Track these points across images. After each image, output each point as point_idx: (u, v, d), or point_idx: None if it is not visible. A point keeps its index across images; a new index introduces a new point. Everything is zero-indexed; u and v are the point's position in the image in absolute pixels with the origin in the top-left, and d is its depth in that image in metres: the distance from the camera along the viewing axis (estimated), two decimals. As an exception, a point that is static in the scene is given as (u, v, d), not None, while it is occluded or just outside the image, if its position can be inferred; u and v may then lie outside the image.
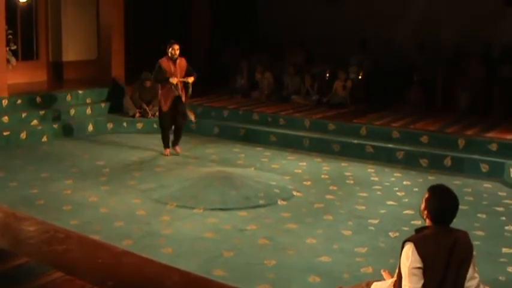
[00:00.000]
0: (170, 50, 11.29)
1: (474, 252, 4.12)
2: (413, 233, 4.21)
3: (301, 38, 17.69)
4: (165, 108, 11.42)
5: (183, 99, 11.37)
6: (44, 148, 11.90)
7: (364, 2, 17.37)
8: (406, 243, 4.07)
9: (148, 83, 14.04)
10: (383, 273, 4.68)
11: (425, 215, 4.15)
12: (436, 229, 4.10)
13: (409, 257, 3.99)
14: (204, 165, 10.62)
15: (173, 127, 11.69)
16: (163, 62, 11.34)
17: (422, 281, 3.95)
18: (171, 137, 11.73)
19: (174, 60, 11.31)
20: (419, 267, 3.95)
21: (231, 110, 14.05)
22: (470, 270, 4.05)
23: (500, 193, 9.59)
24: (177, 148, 11.74)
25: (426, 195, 4.18)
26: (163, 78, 11.26)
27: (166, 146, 11.66)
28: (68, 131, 13.03)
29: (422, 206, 4.18)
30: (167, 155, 11.48)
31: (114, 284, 4.54)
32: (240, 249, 6.91)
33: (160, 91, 11.56)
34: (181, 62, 11.43)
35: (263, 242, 7.14)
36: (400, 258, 4.08)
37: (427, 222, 4.16)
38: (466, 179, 10.28)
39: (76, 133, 13.15)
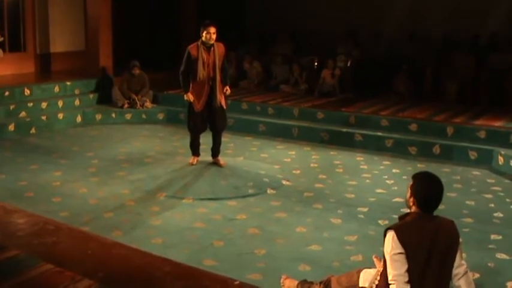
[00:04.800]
0: (204, 33, 8.90)
1: (460, 240, 4.13)
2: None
3: (290, 28, 17.74)
4: (198, 107, 9.21)
5: (222, 102, 9.31)
6: (32, 140, 11.85)
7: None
8: (388, 231, 4.09)
9: (136, 70, 14.02)
10: (374, 259, 4.71)
11: (411, 202, 4.14)
12: (418, 215, 4.11)
13: (390, 245, 4.00)
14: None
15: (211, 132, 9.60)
16: (193, 50, 9.03)
17: (405, 267, 3.97)
18: (201, 145, 9.77)
19: (208, 47, 9.03)
20: (400, 253, 3.97)
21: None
22: (457, 258, 4.07)
23: (488, 180, 9.65)
24: (220, 159, 9.65)
25: (411, 183, 4.19)
26: (191, 70, 9.08)
27: (194, 153, 9.67)
28: (56, 123, 12.98)
29: (408, 194, 4.18)
30: (193, 164, 9.57)
31: (104, 276, 4.53)
32: (230, 239, 6.91)
33: (191, 85, 9.20)
34: (219, 49, 9.11)
35: (253, 231, 7.15)
36: (383, 246, 4.11)
37: (413, 209, 4.17)
38: (455, 167, 10.34)
39: (65, 124, 13.10)
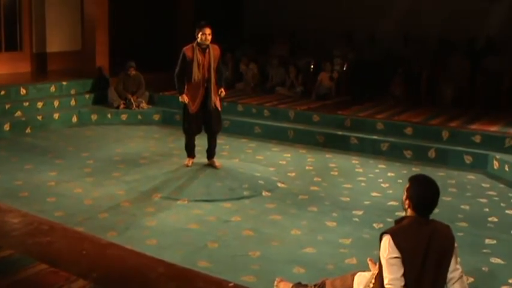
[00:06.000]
0: (200, 34, 8.93)
1: (456, 244, 4.14)
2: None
3: (287, 29, 17.75)
4: (193, 108, 9.25)
5: (217, 103, 9.32)
6: (27, 140, 11.83)
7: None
8: (384, 235, 4.09)
9: (132, 71, 14.03)
10: (369, 262, 4.70)
11: (407, 204, 4.16)
12: (414, 219, 4.12)
13: (386, 249, 4.01)
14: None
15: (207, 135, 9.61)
16: (188, 51, 9.05)
17: (402, 271, 3.98)
18: (196, 147, 9.78)
19: (203, 49, 9.05)
20: (397, 257, 3.98)
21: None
22: (453, 262, 4.07)
23: (483, 184, 9.66)
24: (215, 161, 9.63)
25: (407, 186, 4.20)
26: (186, 72, 9.10)
27: (190, 154, 9.67)
28: (52, 123, 12.97)
29: (404, 196, 4.19)
30: (188, 165, 9.57)
31: (98, 276, 4.53)
32: (224, 240, 6.91)
33: (186, 86, 9.24)
34: (214, 51, 9.13)
35: (247, 233, 7.15)
36: (379, 250, 4.11)
37: (409, 212, 4.18)
38: (450, 171, 10.35)
39: (60, 124, 13.10)
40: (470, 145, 10.95)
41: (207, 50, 9.06)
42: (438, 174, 9.88)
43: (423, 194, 4.12)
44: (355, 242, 6.95)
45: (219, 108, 9.37)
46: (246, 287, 4.73)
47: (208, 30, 8.95)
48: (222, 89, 9.29)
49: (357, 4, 17.17)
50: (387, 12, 16.61)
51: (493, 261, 6.53)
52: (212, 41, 9.09)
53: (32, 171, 9.58)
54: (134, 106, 13.98)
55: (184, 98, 9.20)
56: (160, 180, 9.08)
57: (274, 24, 18.16)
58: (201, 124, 9.43)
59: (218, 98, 9.29)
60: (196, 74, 9.03)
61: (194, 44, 9.07)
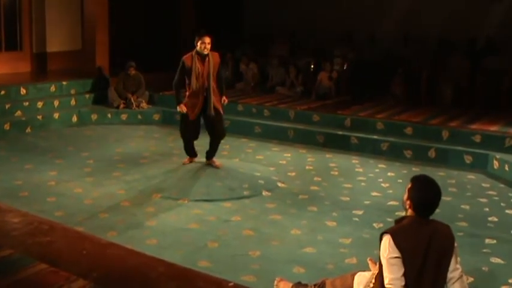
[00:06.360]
0: (199, 43, 8.81)
1: (456, 244, 4.14)
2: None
3: (287, 29, 17.75)
4: (192, 116, 9.11)
5: (219, 108, 9.19)
6: (27, 139, 11.83)
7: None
8: (384, 235, 4.09)
9: (132, 71, 14.03)
10: (369, 262, 4.70)
11: (407, 205, 4.16)
12: (415, 219, 4.12)
13: (386, 249, 4.01)
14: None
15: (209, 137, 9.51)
16: (188, 60, 8.93)
17: (402, 270, 3.98)
18: (196, 147, 9.74)
19: (203, 57, 8.92)
20: (397, 257, 3.98)
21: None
22: (452, 262, 4.07)
23: (483, 184, 9.66)
24: (215, 161, 9.61)
25: (409, 186, 4.20)
26: (184, 81, 9.05)
27: (190, 155, 9.71)
28: (52, 122, 12.97)
29: (405, 196, 4.19)
30: (185, 163, 9.67)
31: (98, 276, 4.52)
32: (224, 240, 6.91)
33: (187, 93, 9.13)
34: (214, 58, 9.00)
35: (247, 233, 7.15)
36: (379, 250, 4.11)
37: (409, 212, 4.18)
38: (450, 171, 10.35)
39: (60, 124, 13.10)
40: (470, 145, 10.95)
41: (207, 59, 8.95)
42: (438, 174, 9.88)
43: (424, 195, 4.12)
44: (355, 242, 6.95)
45: (222, 113, 9.30)
46: (246, 287, 4.73)
47: (207, 39, 8.84)
48: (225, 98, 9.27)
49: (357, 4, 17.18)
50: (387, 12, 16.62)
51: (493, 261, 6.53)
52: (212, 45, 8.98)
53: (32, 171, 9.57)
54: (134, 106, 13.98)
55: (182, 108, 9.09)
56: (160, 180, 9.09)
57: (274, 24, 18.17)
58: (198, 130, 9.37)
59: (220, 105, 9.21)
60: (195, 84, 8.95)
61: (193, 53, 8.97)
